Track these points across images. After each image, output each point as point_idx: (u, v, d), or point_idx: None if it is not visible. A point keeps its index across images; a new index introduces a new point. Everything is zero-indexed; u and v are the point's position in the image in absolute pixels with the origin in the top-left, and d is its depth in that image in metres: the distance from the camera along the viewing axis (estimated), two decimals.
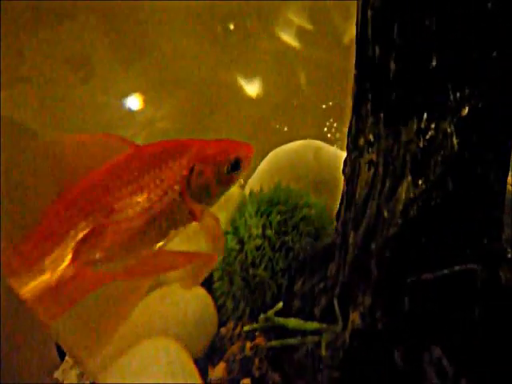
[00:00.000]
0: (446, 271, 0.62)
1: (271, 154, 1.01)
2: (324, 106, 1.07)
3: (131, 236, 0.53)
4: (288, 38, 1.11)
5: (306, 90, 1.08)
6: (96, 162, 0.53)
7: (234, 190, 1.00)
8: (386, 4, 0.51)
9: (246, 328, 0.71)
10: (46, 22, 0.83)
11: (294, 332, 0.69)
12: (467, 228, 0.60)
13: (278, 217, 0.84)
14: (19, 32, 0.81)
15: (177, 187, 0.53)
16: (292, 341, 0.63)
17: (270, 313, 0.64)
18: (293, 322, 0.64)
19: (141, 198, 0.52)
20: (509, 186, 0.65)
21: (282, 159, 1.00)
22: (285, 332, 0.71)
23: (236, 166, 0.53)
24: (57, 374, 0.84)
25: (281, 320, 0.64)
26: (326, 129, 1.06)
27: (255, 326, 0.69)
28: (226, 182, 0.55)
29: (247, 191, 0.96)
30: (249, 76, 1.11)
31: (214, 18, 1.01)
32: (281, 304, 0.66)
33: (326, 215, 0.86)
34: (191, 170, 0.53)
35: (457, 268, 0.62)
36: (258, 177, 1.00)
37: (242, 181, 1.04)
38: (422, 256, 0.61)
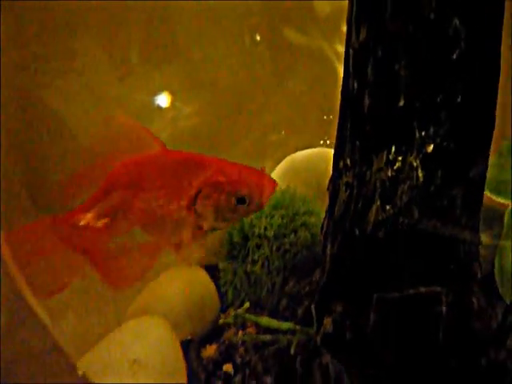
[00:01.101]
0: (411, 291, 0.67)
1: (286, 159, 1.07)
2: None
3: (141, 225, 0.60)
4: (321, 42, 1.15)
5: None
6: (127, 147, 0.60)
7: None
8: (363, 46, 0.56)
9: (220, 321, 0.78)
10: (90, 22, 0.93)
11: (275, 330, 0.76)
12: (432, 254, 0.64)
13: (280, 220, 0.90)
14: (66, 29, 0.91)
15: (183, 203, 0.57)
16: (264, 337, 0.70)
17: (240, 311, 0.71)
18: (265, 320, 0.70)
19: (156, 197, 0.59)
20: None
21: (296, 165, 1.05)
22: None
23: (243, 200, 0.55)
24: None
25: (252, 317, 0.70)
26: None
27: (228, 320, 0.76)
28: (232, 211, 0.57)
29: None
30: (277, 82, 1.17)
31: (244, 25, 1.07)
32: (247, 304, 0.73)
33: None
34: (198, 192, 0.56)
35: (422, 289, 0.66)
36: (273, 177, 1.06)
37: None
38: (389, 275, 0.66)
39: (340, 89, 0.65)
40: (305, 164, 1.05)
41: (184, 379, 0.73)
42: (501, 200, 0.85)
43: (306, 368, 0.68)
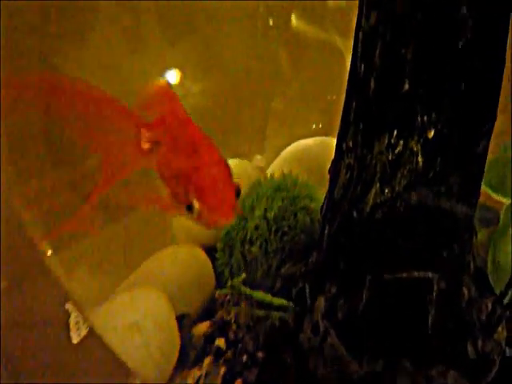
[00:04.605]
0: (404, 275, 0.68)
1: (292, 145, 1.08)
2: None
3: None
4: (332, 33, 1.16)
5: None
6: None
7: (251, 172, 1.08)
8: (372, 30, 0.57)
9: (217, 292, 0.79)
10: None
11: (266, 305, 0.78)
12: (427, 239, 0.66)
13: (280, 202, 0.92)
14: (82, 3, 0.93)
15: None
16: (258, 312, 0.71)
17: (236, 281, 0.72)
18: (259, 294, 0.72)
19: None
20: None
21: (301, 151, 1.07)
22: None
23: (190, 208, 0.54)
24: (68, 305, 0.96)
25: (247, 290, 0.72)
26: None
27: (224, 291, 0.78)
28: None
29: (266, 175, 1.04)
30: (292, 70, 1.18)
31: (260, 11, 1.08)
32: (244, 275, 0.74)
33: None
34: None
35: (415, 274, 0.68)
36: (276, 164, 1.08)
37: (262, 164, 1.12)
38: (384, 257, 0.68)
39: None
40: (307, 152, 1.07)
41: (177, 347, 0.75)
42: (499, 197, 0.86)
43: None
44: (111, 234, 0.88)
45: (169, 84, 0.66)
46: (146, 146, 0.59)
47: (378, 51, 0.57)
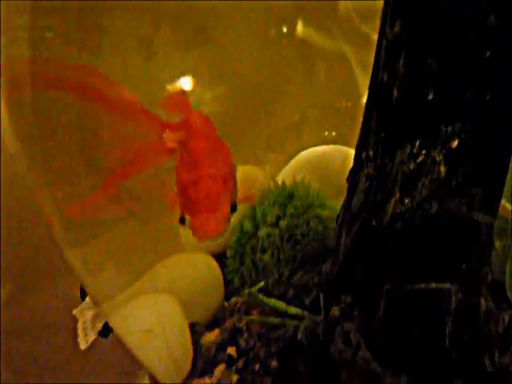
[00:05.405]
0: (422, 286, 0.68)
1: (303, 153, 1.08)
2: None
3: None
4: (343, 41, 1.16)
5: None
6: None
7: (263, 179, 1.08)
8: (397, 38, 0.57)
9: (233, 300, 0.79)
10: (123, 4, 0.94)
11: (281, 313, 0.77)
12: (446, 250, 0.65)
13: (292, 210, 0.91)
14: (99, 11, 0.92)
15: None
16: (272, 320, 0.71)
17: (254, 289, 0.72)
18: (274, 302, 0.71)
19: None
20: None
21: (312, 159, 1.06)
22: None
23: (182, 221, 0.57)
24: (75, 311, 0.96)
25: (264, 298, 0.71)
26: None
27: (239, 298, 0.77)
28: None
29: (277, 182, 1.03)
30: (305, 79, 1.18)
31: (273, 18, 1.08)
32: (262, 283, 0.74)
33: None
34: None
35: (433, 285, 0.67)
36: (287, 171, 1.07)
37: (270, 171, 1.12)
38: (402, 267, 0.67)
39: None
40: (319, 160, 1.06)
41: (191, 354, 0.75)
42: None
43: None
44: (131, 230, 0.88)
45: (183, 91, 0.67)
46: (170, 144, 0.60)
47: (402, 60, 0.56)
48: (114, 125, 0.62)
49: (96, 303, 0.91)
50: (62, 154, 0.74)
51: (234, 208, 0.57)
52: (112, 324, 0.83)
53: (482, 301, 0.71)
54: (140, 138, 0.63)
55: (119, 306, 0.84)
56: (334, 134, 1.14)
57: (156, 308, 0.76)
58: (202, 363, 0.83)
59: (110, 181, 0.64)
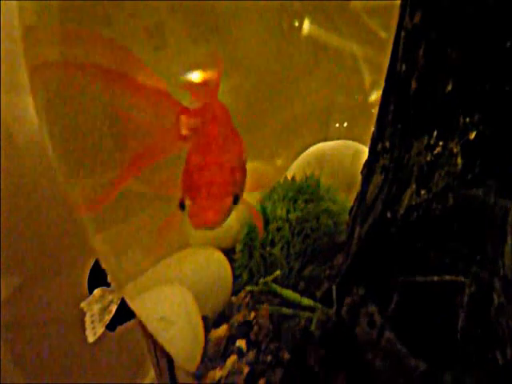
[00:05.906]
0: (436, 278, 0.68)
1: (313, 147, 1.08)
2: None
3: None
4: (353, 39, 1.16)
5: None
6: None
7: (273, 173, 1.08)
8: (416, 28, 0.57)
9: (247, 288, 0.79)
10: None
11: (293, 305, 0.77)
12: (461, 242, 0.65)
13: (303, 204, 0.91)
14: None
15: None
16: (285, 310, 0.70)
17: (269, 278, 0.72)
18: (288, 293, 0.71)
19: None
20: None
21: (322, 154, 1.06)
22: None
23: (182, 206, 0.55)
24: (83, 305, 0.96)
25: (278, 288, 0.71)
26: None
27: (255, 287, 0.77)
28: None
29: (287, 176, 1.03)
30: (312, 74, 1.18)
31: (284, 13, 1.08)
32: (278, 271, 0.74)
33: (346, 213, 0.92)
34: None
35: (447, 277, 0.67)
36: (297, 165, 1.07)
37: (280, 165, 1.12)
38: (416, 259, 0.67)
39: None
40: (329, 155, 1.06)
41: (202, 342, 0.75)
42: None
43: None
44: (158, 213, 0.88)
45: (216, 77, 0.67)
46: (184, 131, 0.59)
47: (421, 50, 0.57)
48: (139, 108, 0.61)
49: (119, 286, 0.90)
50: (91, 140, 0.74)
51: (236, 200, 0.56)
52: (133, 308, 0.83)
53: (494, 295, 0.71)
54: (160, 123, 0.63)
55: (139, 292, 0.84)
56: (343, 127, 1.14)
57: (173, 298, 0.77)
58: (213, 355, 0.83)
59: (132, 166, 0.64)
